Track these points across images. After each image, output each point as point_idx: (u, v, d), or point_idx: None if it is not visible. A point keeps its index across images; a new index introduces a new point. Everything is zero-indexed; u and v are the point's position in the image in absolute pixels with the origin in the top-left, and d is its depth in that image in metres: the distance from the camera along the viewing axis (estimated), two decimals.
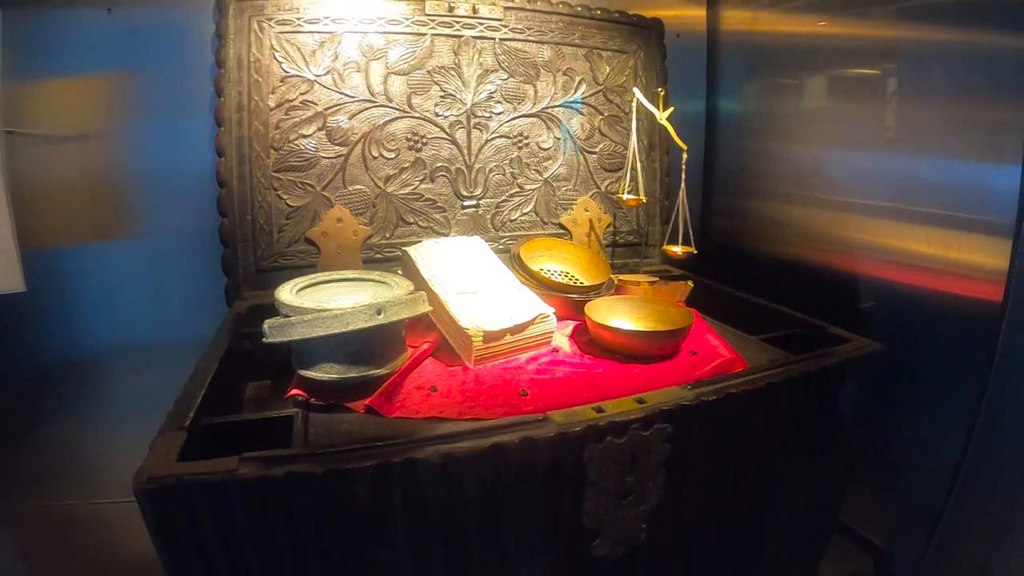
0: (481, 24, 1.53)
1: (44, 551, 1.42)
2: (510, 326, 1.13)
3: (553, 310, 1.20)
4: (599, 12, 1.67)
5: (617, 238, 1.72)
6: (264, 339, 0.92)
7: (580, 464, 0.86)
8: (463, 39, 1.52)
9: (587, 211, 1.66)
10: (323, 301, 1.02)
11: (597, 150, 1.68)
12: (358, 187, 1.45)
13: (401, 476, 0.76)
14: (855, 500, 1.34)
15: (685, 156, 1.44)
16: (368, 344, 0.96)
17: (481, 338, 1.09)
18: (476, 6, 1.53)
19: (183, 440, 0.77)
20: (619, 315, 1.28)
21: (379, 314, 0.93)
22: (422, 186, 1.50)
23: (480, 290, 1.22)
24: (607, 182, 1.68)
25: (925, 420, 1.28)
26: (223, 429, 0.87)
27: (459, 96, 1.52)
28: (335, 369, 0.95)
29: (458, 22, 1.51)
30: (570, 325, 1.31)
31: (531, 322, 1.16)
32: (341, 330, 0.90)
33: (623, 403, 0.90)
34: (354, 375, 0.95)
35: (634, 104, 1.50)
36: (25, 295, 1.27)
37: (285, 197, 1.39)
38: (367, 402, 0.95)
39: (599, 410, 0.88)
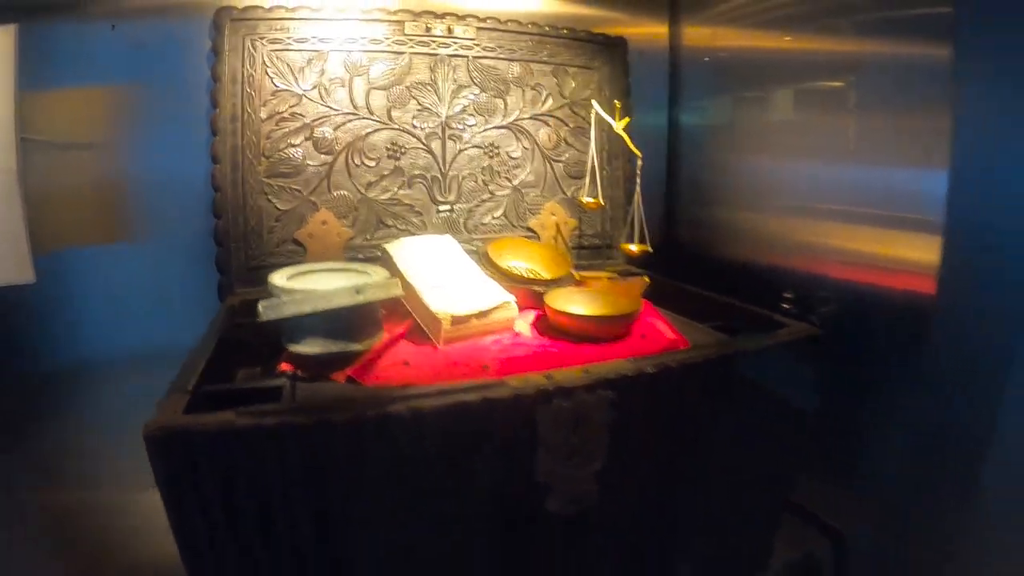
0: (456, 43, 1.68)
1: (42, 545, 1.48)
2: (476, 311, 1.27)
3: (515, 298, 1.34)
4: (566, 31, 1.82)
5: (583, 241, 1.87)
6: (259, 318, 1.06)
7: (533, 425, 0.98)
8: (439, 57, 1.67)
9: (554, 215, 1.82)
10: (311, 285, 1.17)
11: (563, 159, 1.83)
12: (342, 192, 1.59)
13: (376, 429, 0.88)
14: (817, 486, 1.44)
15: (640, 162, 1.59)
16: (350, 321, 1.11)
17: (449, 321, 1.23)
18: (451, 27, 1.68)
19: (187, 401, 0.88)
20: (576, 304, 1.41)
21: (359, 293, 1.08)
22: (400, 192, 1.65)
23: (450, 280, 1.36)
24: (572, 188, 1.83)
25: (878, 408, 1.37)
26: (221, 396, 0.97)
27: (435, 109, 1.67)
28: (320, 344, 1.09)
29: (434, 41, 1.66)
30: (532, 314, 1.45)
31: (495, 308, 1.30)
32: (326, 307, 1.05)
33: (571, 371, 1.03)
34: (336, 349, 1.10)
35: (592, 115, 1.64)
36: (29, 295, 1.38)
37: (275, 201, 1.53)
38: (348, 372, 1.09)
39: (549, 377, 1.01)
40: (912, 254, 1.28)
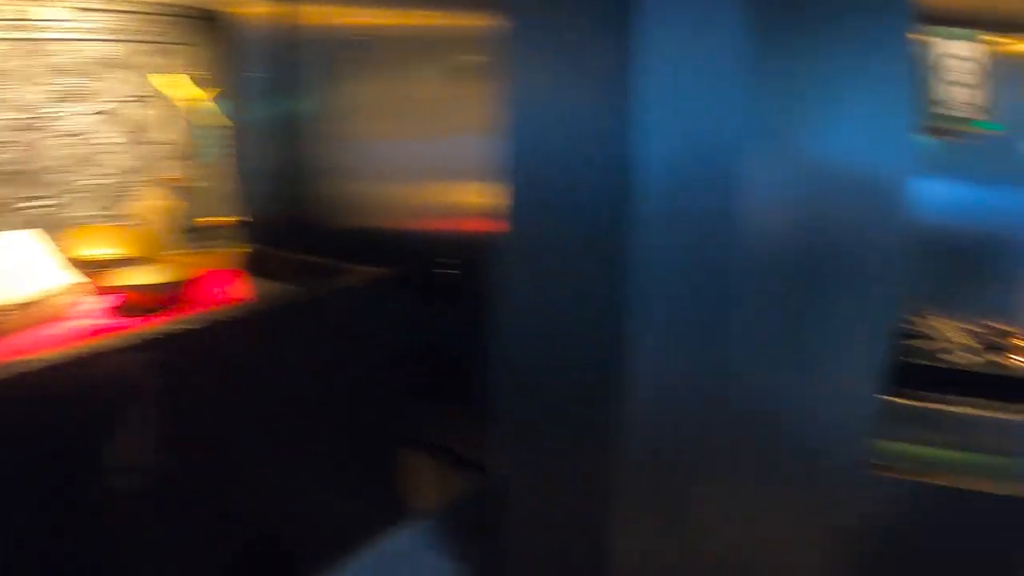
0: (53, 27, 1.70)
1: None
2: (20, 301, 1.31)
3: (76, 280, 1.41)
4: (168, 8, 1.87)
5: (192, 223, 1.89)
6: None
7: (74, 398, 1.02)
8: (35, 41, 1.68)
9: (156, 200, 1.85)
10: None
11: (165, 141, 1.90)
12: None
13: None
14: (459, 425, 1.61)
15: (225, 132, 1.75)
16: None
17: None
18: (48, 10, 1.69)
19: None
20: (134, 279, 1.49)
21: None
22: None
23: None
24: (175, 171, 1.90)
25: (486, 341, 1.43)
26: None
27: (26, 98, 1.68)
28: None
29: (30, 26, 1.67)
30: (106, 299, 1.49)
31: (51, 295, 1.36)
32: None
33: (109, 338, 1.09)
34: None
35: (167, 92, 1.74)
36: None
37: None
38: None
39: (80, 348, 1.04)
40: (489, 201, 1.42)
